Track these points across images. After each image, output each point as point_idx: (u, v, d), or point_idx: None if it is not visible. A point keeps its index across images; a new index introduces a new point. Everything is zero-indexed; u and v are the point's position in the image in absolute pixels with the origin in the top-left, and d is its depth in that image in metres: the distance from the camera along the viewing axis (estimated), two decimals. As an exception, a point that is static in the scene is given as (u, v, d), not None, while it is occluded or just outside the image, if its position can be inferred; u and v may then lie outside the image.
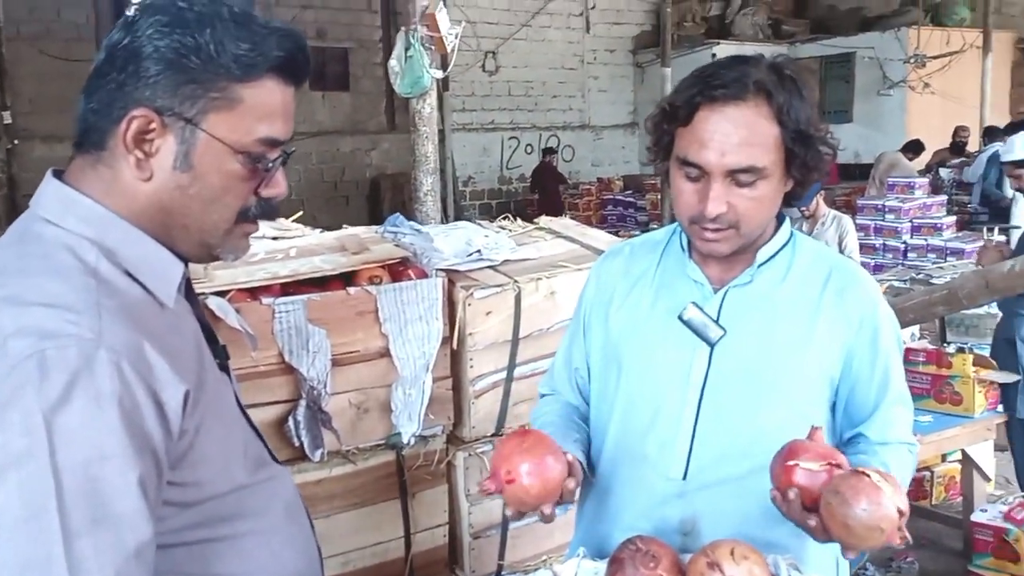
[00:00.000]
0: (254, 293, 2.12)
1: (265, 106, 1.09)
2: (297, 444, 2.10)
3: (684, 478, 1.50)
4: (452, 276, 2.36)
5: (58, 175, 1.10)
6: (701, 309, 1.49)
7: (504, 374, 2.37)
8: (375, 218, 12.22)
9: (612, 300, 1.60)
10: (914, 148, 10.84)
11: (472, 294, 2.30)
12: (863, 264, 6.99)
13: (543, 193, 12.94)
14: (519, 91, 15.15)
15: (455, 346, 2.32)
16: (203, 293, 2.00)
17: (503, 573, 2.46)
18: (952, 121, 11.89)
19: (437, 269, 2.33)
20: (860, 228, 8.79)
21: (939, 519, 4.26)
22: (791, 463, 1.28)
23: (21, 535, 0.92)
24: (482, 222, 3.02)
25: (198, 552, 1.13)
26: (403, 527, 2.33)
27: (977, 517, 3.44)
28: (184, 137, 1.06)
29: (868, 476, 1.20)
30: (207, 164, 1.07)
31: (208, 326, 1.21)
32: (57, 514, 0.92)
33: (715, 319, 1.48)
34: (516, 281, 2.36)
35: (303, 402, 2.10)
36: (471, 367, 2.34)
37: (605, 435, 1.60)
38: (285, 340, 2.09)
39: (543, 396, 1.75)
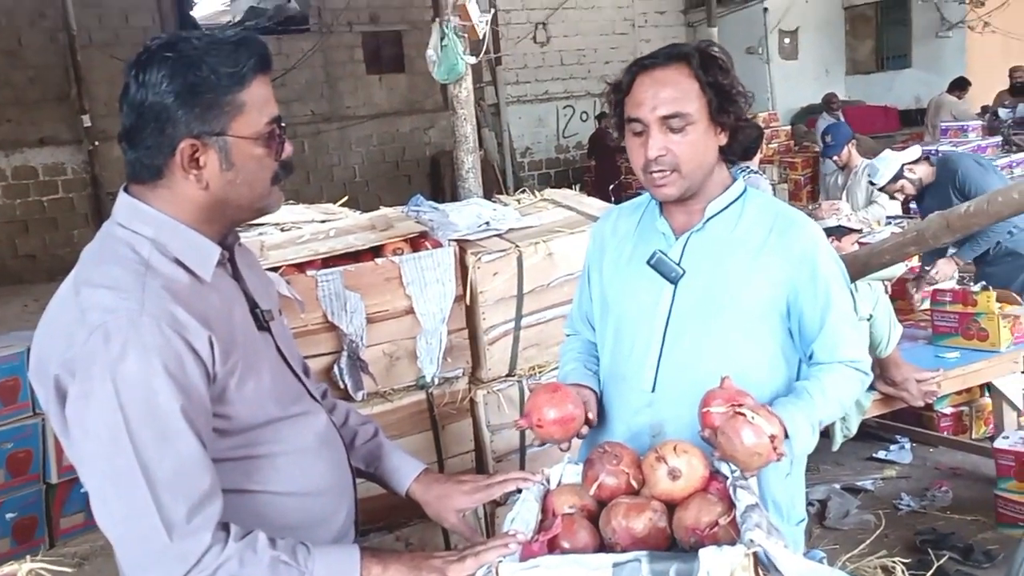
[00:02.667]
0: (300, 267, 2.59)
1: (260, 98, 1.39)
2: (342, 387, 2.57)
3: (653, 390, 1.80)
4: (464, 245, 2.78)
5: (126, 190, 1.42)
6: (665, 254, 1.81)
7: (513, 324, 2.81)
8: (436, 194, 12.58)
9: (604, 254, 1.96)
10: (960, 85, 10.53)
11: (480, 258, 2.73)
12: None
13: (600, 159, 12.84)
14: (571, 60, 15.21)
15: (469, 302, 2.75)
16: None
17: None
18: (1016, 60, 11.34)
19: (450, 240, 2.76)
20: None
21: (973, 450, 4.24)
22: (705, 409, 1.57)
23: (109, 449, 1.27)
24: (500, 197, 3.44)
25: (241, 467, 1.44)
26: (436, 454, 2.78)
27: (999, 444, 3.49)
28: (220, 146, 1.36)
29: (744, 415, 1.49)
30: (242, 158, 1.38)
31: (252, 298, 1.51)
32: (127, 436, 1.26)
33: (677, 262, 1.80)
34: (518, 246, 2.78)
35: (345, 353, 2.56)
36: (484, 319, 2.76)
37: (600, 363, 1.96)
38: (327, 304, 2.56)
39: (568, 335, 2.11)
